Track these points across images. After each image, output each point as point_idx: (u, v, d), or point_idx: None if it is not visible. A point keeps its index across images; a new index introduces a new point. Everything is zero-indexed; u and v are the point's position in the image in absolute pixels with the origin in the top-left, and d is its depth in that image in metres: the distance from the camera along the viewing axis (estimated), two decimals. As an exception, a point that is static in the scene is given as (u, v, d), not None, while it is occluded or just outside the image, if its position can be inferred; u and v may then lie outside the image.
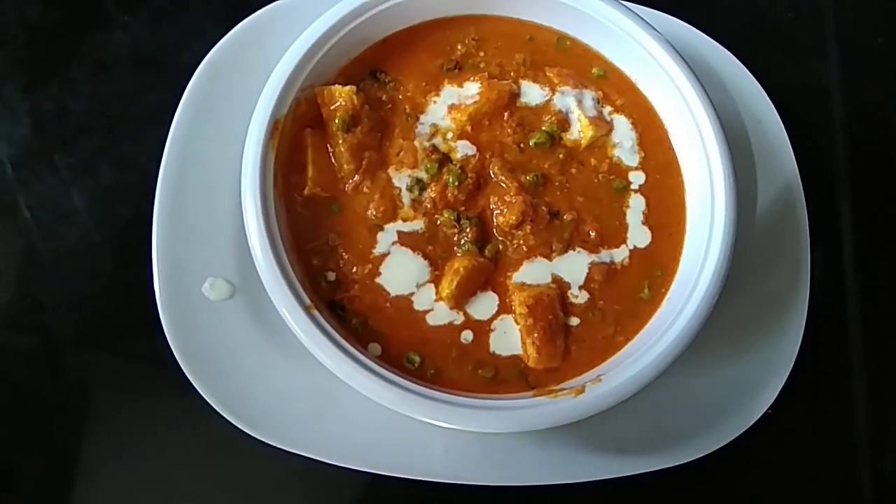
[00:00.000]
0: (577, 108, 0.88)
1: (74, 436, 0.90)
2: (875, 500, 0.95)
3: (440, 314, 0.81)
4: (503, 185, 0.85)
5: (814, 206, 0.94)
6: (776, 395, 0.87)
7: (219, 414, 0.82)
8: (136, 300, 0.87)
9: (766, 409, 0.87)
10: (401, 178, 0.85)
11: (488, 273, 0.83)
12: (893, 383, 0.99)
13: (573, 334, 0.82)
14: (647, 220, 0.86)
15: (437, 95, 0.88)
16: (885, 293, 1.02)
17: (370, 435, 0.82)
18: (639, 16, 0.87)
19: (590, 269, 0.84)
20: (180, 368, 0.82)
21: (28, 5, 1.02)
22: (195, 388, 0.82)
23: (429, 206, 0.84)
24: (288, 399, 0.83)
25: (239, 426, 0.82)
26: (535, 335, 0.80)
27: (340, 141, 0.84)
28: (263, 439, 0.82)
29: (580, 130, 0.88)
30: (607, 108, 0.90)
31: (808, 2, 1.15)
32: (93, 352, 0.92)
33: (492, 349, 0.81)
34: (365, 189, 0.84)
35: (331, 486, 0.89)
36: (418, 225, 0.84)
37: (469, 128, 0.87)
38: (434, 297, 0.82)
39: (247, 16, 0.92)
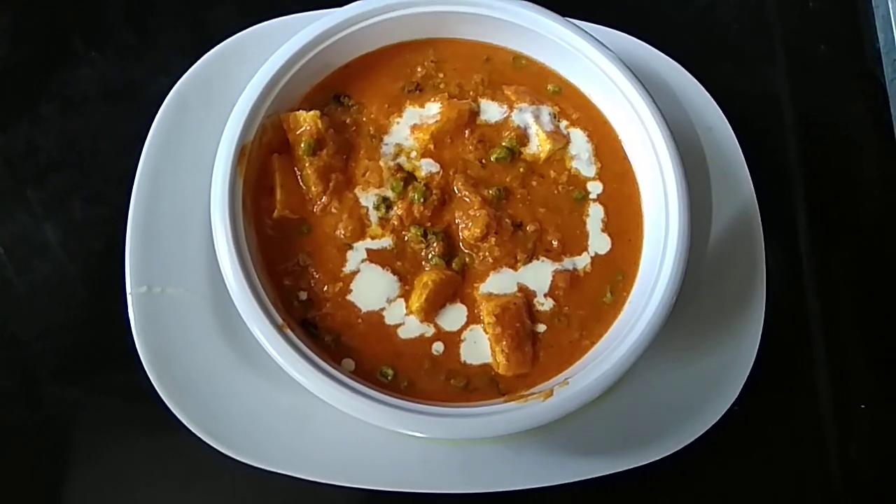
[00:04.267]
0: (534, 124, 0.92)
1: (56, 467, 0.90)
2: (844, 489, 0.98)
3: (411, 327, 0.83)
4: (467, 199, 0.88)
5: (769, 206, 0.98)
6: (740, 390, 0.90)
7: (199, 438, 0.83)
8: (112, 330, 0.88)
9: (731, 404, 0.90)
10: (368, 198, 0.87)
11: (456, 285, 0.85)
12: (855, 373, 1.02)
13: (541, 340, 0.85)
14: (607, 228, 0.90)
15: (400, 116, 0.91)
16: (842, 286, 1.06)
17: (349, 450, 0.84)
18: (590, 34, 0.91)
19: (554, 276, 0.87)
20: (159, 396, 0.83)
21: (-5, 46, 1.05)
22: (174, 414, 0.83)
23: (396, 223, 0.86)
24: (266, 419, 0.85)
25: (219, 448, 0.83)
26: (504, 343, 0.82)
27: (307, 164, 0.86)
28: (243, 460, 0.83)
29: (539, 145, 0.91)
30: (564, 123, 0.94)
31: (753, 13, 1.20)
32: (71, 383, 0.93)
33: (463, 359, 0.83)
34: (333, 210, 0.87)
35: (312, 503, 0.90)
36: (386, 242, 0.86)
37: (432, 146, 0.90)
38: (404, 312, 0.84)
39: (211, 47, 0.95)
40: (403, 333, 0.83)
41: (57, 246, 0.97)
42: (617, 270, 0.88)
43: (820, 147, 1.13)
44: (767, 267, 0.95)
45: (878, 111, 1.15)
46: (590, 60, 0.91)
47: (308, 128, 0.86)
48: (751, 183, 0.98)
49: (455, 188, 0.88)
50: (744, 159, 0.99)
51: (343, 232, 0.86)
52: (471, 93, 0.93)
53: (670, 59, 1.02)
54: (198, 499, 0.92)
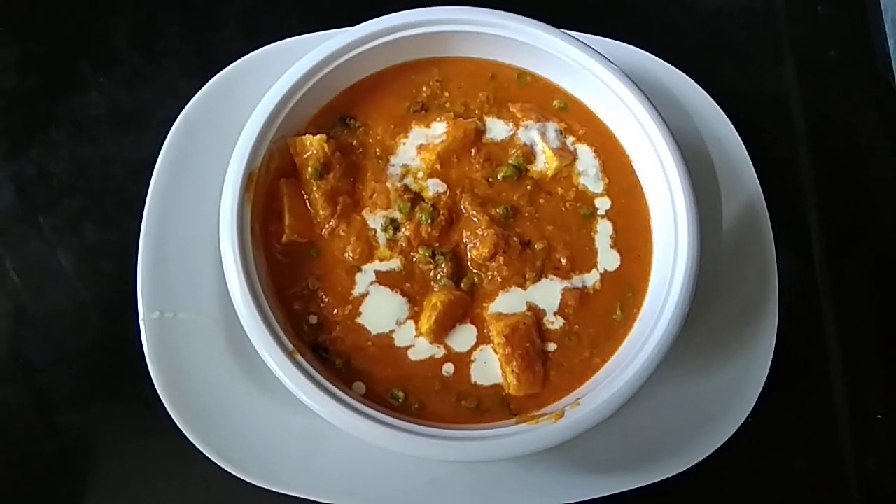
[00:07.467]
0: (541, 141, 0.91)
1: (72, 492, 0.91)
2: (862, 500, 0.97)
3: (421, 349, 0.84)
4: (475, 219, 0.87)
5: (781, 215, 0.97)
6: (754, 403, 0.89)
7: (213, 461, 0.83)
8: (126, 354, 0.89)
9: (745, 417, 0.89)
10: (375, 220, 0.87)
11: (465, 306, 0.85)
12: (870, 384, 1.01)
13: (551, 360, 0.85)
14: (616, 244, 0.89)
15: (406, 137, 0.91)
16: (856, 295, 1.05)
17: (360, 471, 0.84)
18: (593, 49, 0.91)
19: (563, 294, 0.86)
20: (173, 420, 0.84)
21: (4, 74, 1.05)
22: (188, 439, 0.83)
23: (404, 244, 0.86)
24: (278, 441, 0.85)
25: (233, 472, 0.83)
26: (514, 363, 0.82)
27: (314, 188, 0.86)
28: (257, 483, 0.84)
29: (545, 161, 0.91)
30: (570, 139, 0.93)
31: (760, 19, 1.19)
32: (86, 407, 0.94)
33: (473, 380, 0.83)
34: (341, 232, 0.87)
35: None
36: (395, 264, 0.86)
37: (438, 166, 0.90)
38: (414, 333, 0.84)
39: (218, 69, 0.95)
40: (413, 355, 0.83)
41: (70, 272, 0.98)
42: (626, 287, 0.88)
43: (831, 153, 1.12)
44: (780, 276, 0.94)
45: (889, 115, 1.13)
46: (593, 75, 0.90)
47: (315, 152, 0.86)
48: (761, 192, 0.97)
49: (462, 208, 0.88)
50: (753, 169, 0.98)
51: (351, 254, 0.86)
52: (476, 111, 0.93)
53: (676, 70, 1.02)
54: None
